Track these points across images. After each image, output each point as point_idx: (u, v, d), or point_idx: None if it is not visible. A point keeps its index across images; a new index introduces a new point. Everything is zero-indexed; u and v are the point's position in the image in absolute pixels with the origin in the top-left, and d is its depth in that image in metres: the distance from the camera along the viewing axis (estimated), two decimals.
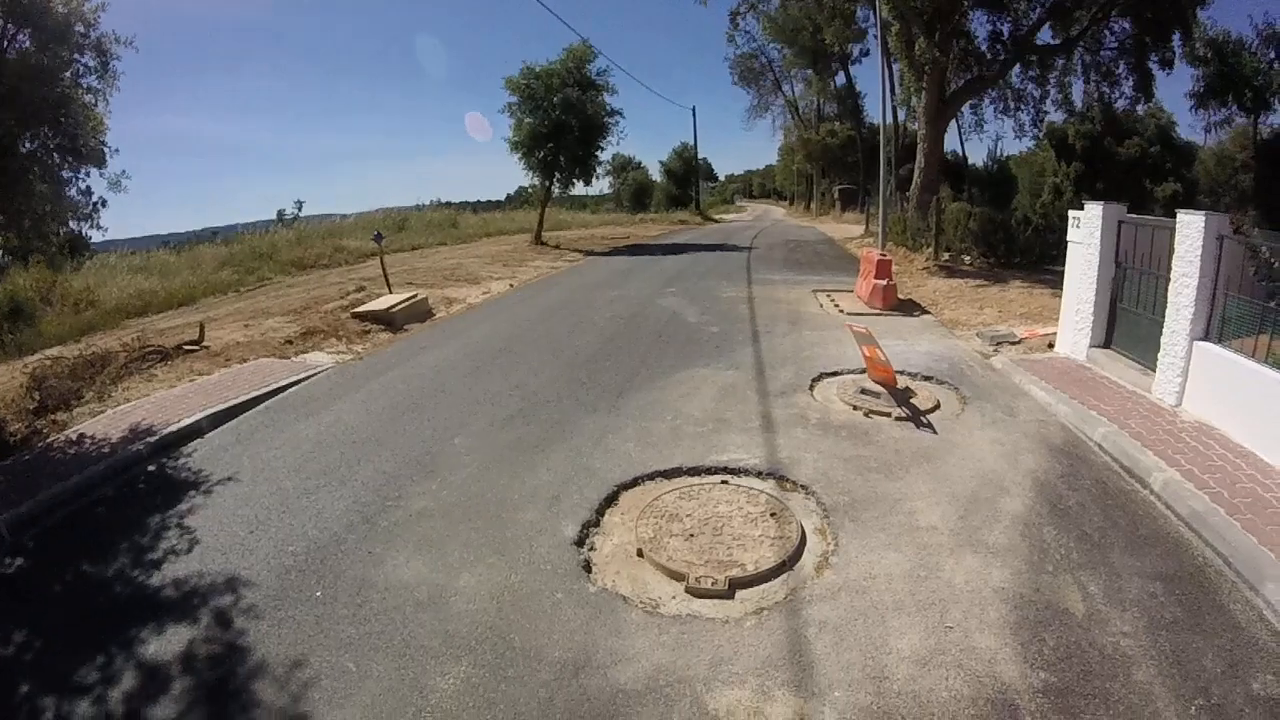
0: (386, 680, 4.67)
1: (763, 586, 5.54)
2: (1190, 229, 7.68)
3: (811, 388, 9.90)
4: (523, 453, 8.07)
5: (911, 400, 9.00)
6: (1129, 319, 9.57)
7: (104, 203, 9.70)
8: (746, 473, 7.36)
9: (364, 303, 14.53)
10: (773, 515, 6.39)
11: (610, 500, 6.94)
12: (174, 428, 8.77)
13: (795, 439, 8.10)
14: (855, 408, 8.97)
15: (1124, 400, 8.42)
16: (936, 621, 5.03)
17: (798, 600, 5.34)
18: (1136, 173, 20.38)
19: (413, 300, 14.42)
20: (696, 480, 7.23)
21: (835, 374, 10.40)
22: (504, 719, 4.33)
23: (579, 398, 9.84)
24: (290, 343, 12.35)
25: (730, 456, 7.70)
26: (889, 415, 8.65)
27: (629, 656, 4.82)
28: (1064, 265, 11.15)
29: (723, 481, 7.10)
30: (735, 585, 5.53)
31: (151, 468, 8.08)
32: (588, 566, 5.90)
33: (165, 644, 5.07)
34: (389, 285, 15.99)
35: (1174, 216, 8.05)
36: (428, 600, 5.47)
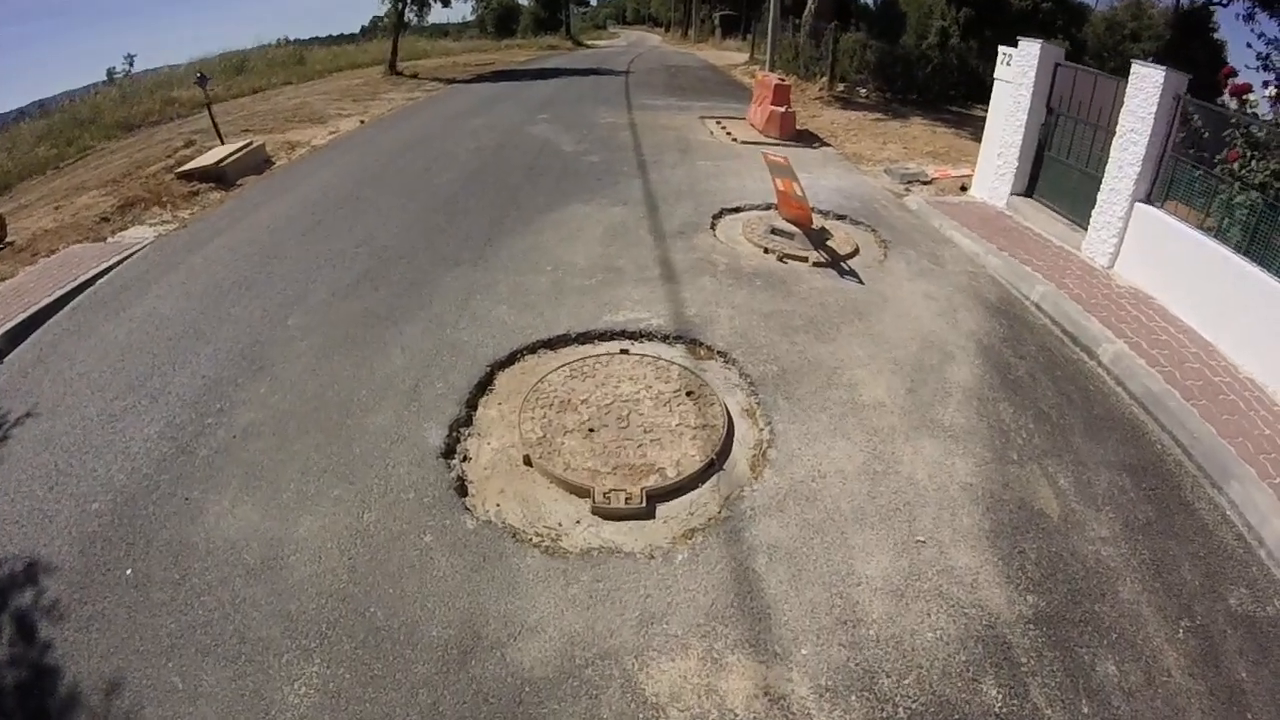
0: (222, 697, 3.13)
1: (689, 497, 4.23)
2: (1146, 83, 6.66)
3: (713, 226, 8.32)
4: (371, 328, 6.01)
5: (828, 243, 7.74)
6: (1057, 169, 8.76)
7: None
8: (650, 337, 5.83)
9: (192, 159, 11.96)
10: (689, 395, 4.99)
11: (483, 386, 5.20)
12: None
13: (703, 290, 6.60)
14: (767, 250, 7.57)
15: (1054, 256, 7.70)
16: (905, 534, 4.06)
17: (737, 516, 4.10)
18: (1026, 25, 19.54)
19: (247, 150, 11.84)
20: (590, 350, 5.60)
21: (738, 210, 8.86)
22: None
23: (438, 249, 7.63)
24: (106, 220, 9.59)
25: (628, 316, 6.09)
26: (805, 260, 7.36)
27: (531, 625, 3.43)
28: (962, 106, 10.11)
29: (622, 351, 5.53)
30: (654, 498, 4.17)
31: None
32: (462, 488, 4.28)
33: None
34: (220, 135, 13.12)
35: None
36: (260, 565, 3.77)
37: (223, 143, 12.40)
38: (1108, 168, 7.26)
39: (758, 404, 5.06)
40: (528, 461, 4.36)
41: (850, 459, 4.59)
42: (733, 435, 4.72)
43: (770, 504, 4.20)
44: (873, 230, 8.50)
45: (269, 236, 8.20)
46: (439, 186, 9.88)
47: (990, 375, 5.60)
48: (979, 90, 17.00)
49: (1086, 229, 7.64)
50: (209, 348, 5.84)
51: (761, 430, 4.81)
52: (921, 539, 4.05)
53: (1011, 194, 9.23)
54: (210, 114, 13.20)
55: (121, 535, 4.02)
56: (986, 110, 10.07)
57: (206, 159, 11.26)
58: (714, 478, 4.38)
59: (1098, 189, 7.37)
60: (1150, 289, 6.80)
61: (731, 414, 4.89)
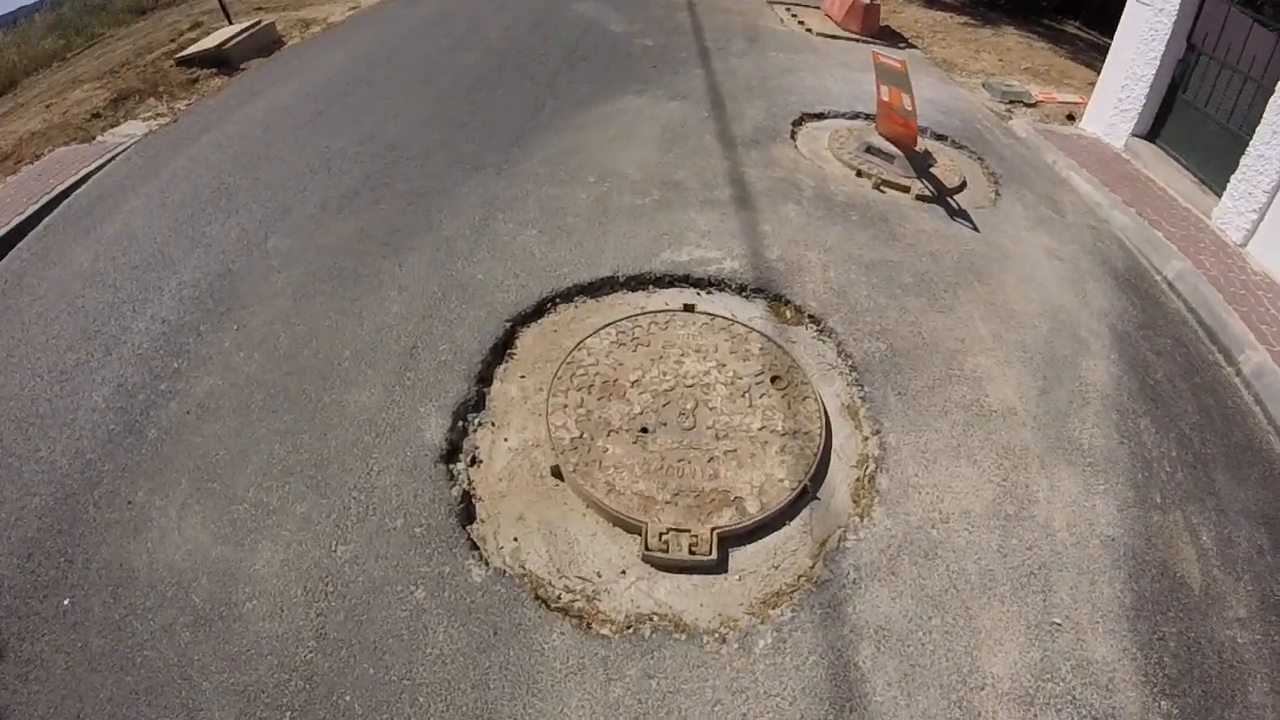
0: None
1: (774, 540, 3.18)
2: None
3: (793, 135, 6.70)
4: (364, 257, 4.72)
5: (932, 170, 6.23)
6: (1191, 116, 7.19)
7: None
8: (722, 286, 4.54)
9: (197, 42, 10.57)
10: (775, 381, 3.80)
11: (501, 349, 3.99)
12: None
13: (787, 223, 5.21)
14: (860, 173, 6.08)
15: (1182, 221, 6.35)
16: (1039, 611, 3.12)
17: (836, 577, 3.07)
18: None
19: (255, 29, 10.34)
20: (643, 300, 4.33)
21: (820, 116, 7.17)
22: None
23: (456, 148, 6.08)
24: (97, 116, 8.20)
25: (693, 254, 4.76)
26: (907, 190, 5.91)
27: None
28: (1053, 20, 8.14)
29: (686, 307, 4.25)
30: (726, 542, 3.12)
31: None
32: (467, 510, 3.21)
33: None
34: (227, 14, 11.41)
35: None
36: (210, 610, 2.84)
37: (230, 22, 10.98)
38: (1259, 130, 5.86)
39: (863, 400, 3.89)
40: (557, 474, 3.26)
41: (978, 494, 3.52)
42: (830, 446, 3.60)
43: (880, 561, 3.17)
44: (979, 159, 6.92)
45: (261, 132, 6.60)
46: (463, 70, 8.00)
47: (1128, 378, 4.44)
48: (1071, 3, 14.64)
49: (1219, 194, 6.37)
50: (175, 279, 4.61)
51: (868, 441, 3.69)
52: (1058, 621, 3.12)
53: (1132, 134, 7.65)
54: None
55: (60, 547, 3.10)
56: (1079, 27, 8.25)
57: (208, 41, 9.98)
58: (806, 512, 3.31)
59: (1241, 151, 6.00)
60: None
61: (829, 413, 3.75)
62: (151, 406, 3.72)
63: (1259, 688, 3.03)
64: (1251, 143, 5.90)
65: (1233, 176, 6.11)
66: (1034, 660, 2.97)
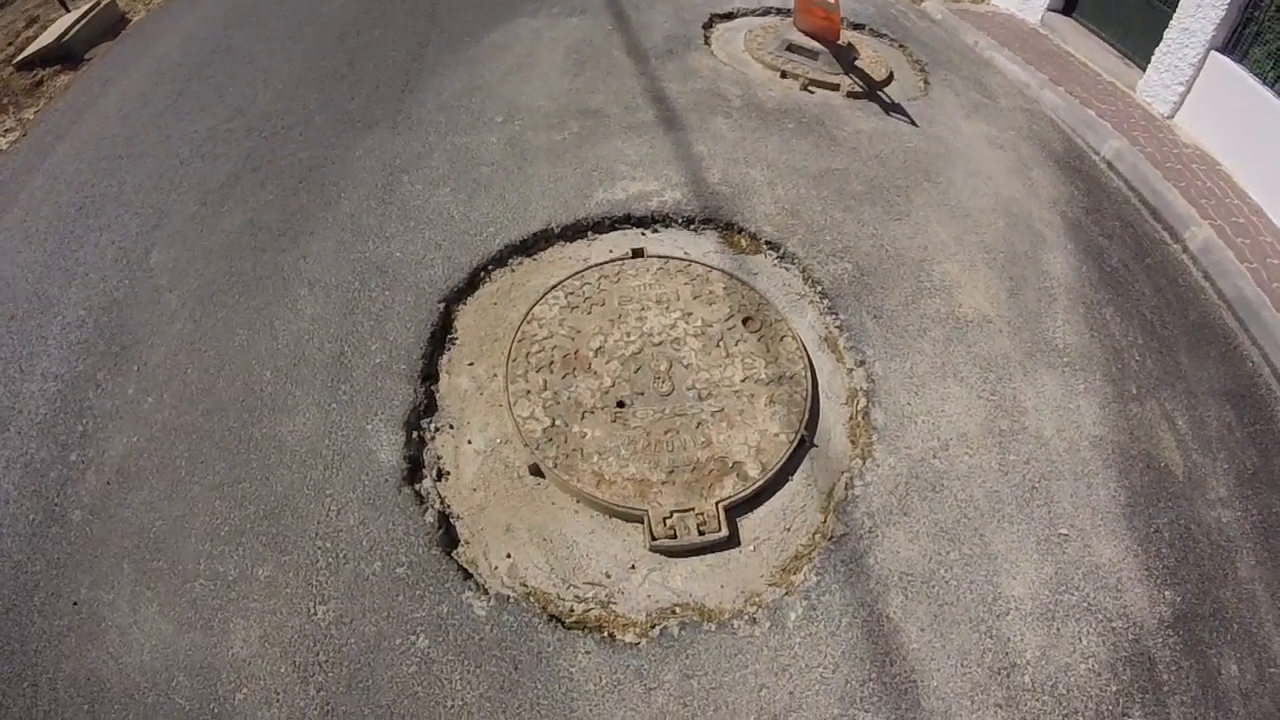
0: None
1: (781, 500, 2.95)
2: None
3: (707, 40, 6.09)
4: (261, 254, 3.97)
5: (857, 63, 5.85)
6: None
7: None
8: (668, 221, 4.10)
9: (34, 41, 9.16)
10: (747, 323, 3.47)
11: (440, 336, 3.44)
12: None
13: (721, 140, 4.75)
14: (785, 74, 5.61)
15: (1110, 97, 6.28)
16: (1046, 524, 3.10)
17: (852, 527, 2.89)
18: None
19: (95, 11, 8.76)
20: (584, 251, 3.84)
21: (730, 16, 6.54)
22: None
23: (340, 106, 5.16)
24: None
25: (629, 189, 4.25)
26: (837, 88, 5.51)
27: None
28: None
29: (635, 253, 3.79)
30: (733, 512, 2.85)
31: None
32: (449, 535, 2.79)
33: None
34: (63, 2, 9.70)
35: None
36: (199, 710, 2.47)
37: (68, 10, 9.33)
38: (1183, 2, 5.76)
39: (840, 329, 3.63)
40: (537, 472, 2.86)
41: (970, 413, 3.39)
42: (817, 386, 3.34)
43: (890, 503, 3.00)
44: (901, 46, 6.56)
45: (120, 127, 5.39)
46: (330, 16, 6.75)
47: (1087, 266, 4.39)
48: None
49: (1142, 67, 6.35)
50: (57, 323, 3.79)
51: (853, 373, 3.46)
52: (1064, 531, 3.12)
53: (1048, 9, 7.47)
54: None
55: (17, 670, 2.63)
56: None
57: (47, 37, 8.48)
58: (807, 461, 3.08)
59: (1162, 24, 5.96)
60: (1215, 151, 5.73)
61: (809, 349, 3.47)
62: (67, 483, 3.09)
63: (1246, 562, 3.14)
64: (1175, 16, 5.81)
65: (1156, 50, 6.05)
66: (1049, 575, 2.95)
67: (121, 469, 3.11)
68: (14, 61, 8.58)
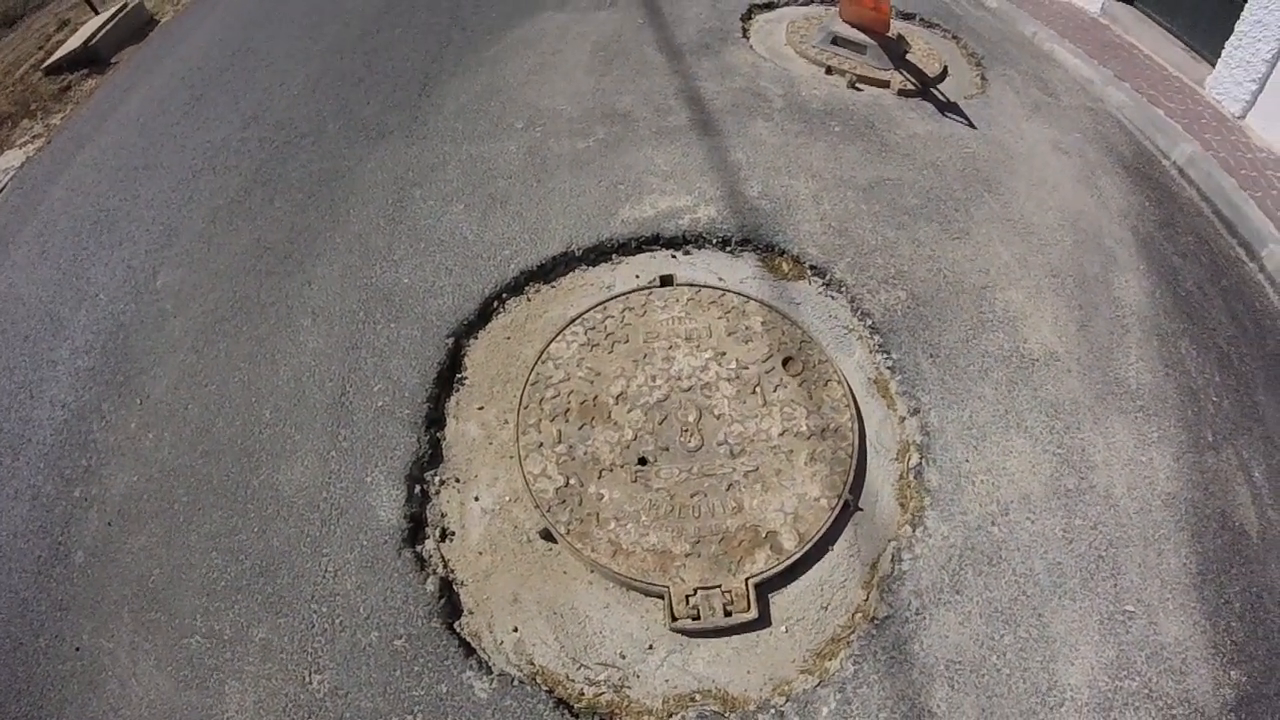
0: None
1: (818, 573, 2.66)
2: None
3: (745, 33, 5.66)
4: (267, 278, 3.79)
5: (908, 57, 5.38)
6: None
7: None
8: (700, 242, 3.76)
9: (64, 44, 9.22)
10: (787, 364, 3.16)
11: (448, 375, 3.19)
12: None
13: (761, 146, 4.37)
14: (830, 70, 5.18)
15: (1177, 94, 5.74)
16: (1111, 600, 2.78)
17: (896, 609, 2.60)
18: None
19: (123, 14, 8.79)
20: (607, 277, 3.54)
21: (770, 5, 6.10)
22: None
23: (355, 112, 4.94)
24: None
25: (658, 205, 3.93)
26: (886, 85, 5.08)
27: None
28: None
29: (663, 281, 3.48)
30: (764, 587, 2.58)
31: None
32: (451, 605, 2.57)
33: None
34: (91, 4, 9.79)
35: None
36: None
37: (96, 12, 9.27)
38: None
39: (891, 370, 3.29)
40: (548, 537, 2.61)
41: (1035, 471, 3.04)
42: (865, 439, 3.03)
43: (941, 580, 2.69)
44: (954, 38, 6.06)
45: (138, 136, 5.28)
46: (353, 12, 6.52)
47: (1161, 291, 3.97)
48: None
49: (1211, 62, 5.83)
50: (66, 347, 3.70)
51: (905, 422, 3.12)
52: (1130, 608, 2.79)
53: None
54: None
55: (25, 711, 2.56)
56: None
57: (75, 40, 8.47)
58: (850, 527, 2.79)
59: (1233, 15, 5.43)
60: None
61: (856, 394, 3.15)
62: (71, 521, 3.00)
63: None
64: (1247, 7, 5.29)
65: (1227, 43, 5.53)
66: (1109, 659, 2.64)
67: (123, 510, 2.99)
68: (43, 66, 8.71)
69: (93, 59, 8.33)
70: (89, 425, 3.31)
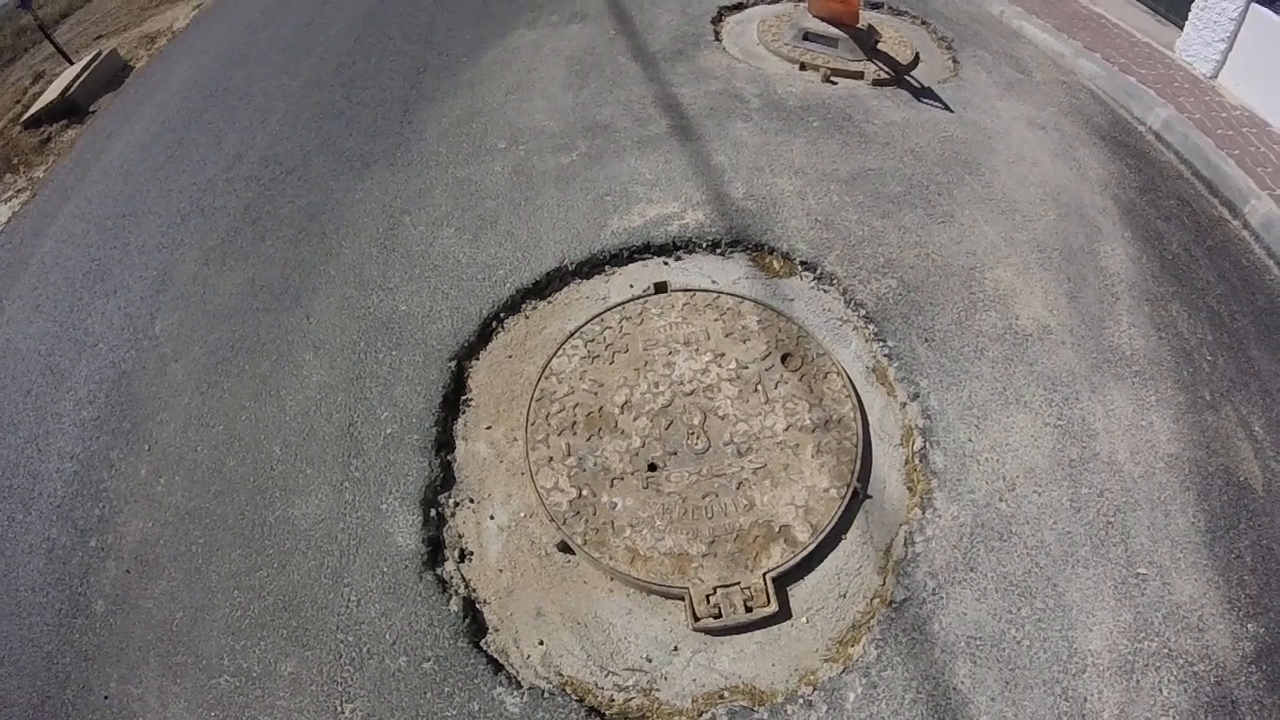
0: None
1: (833, 562, 2.71)
2: None
3: (718, 35, 5.73)
4: (264, 316, 3.84)
5: (879, 46, 5.45)
6: None
7: None
8: (690, 247, 3.82)
9: (40, 97, 9.41)
10: (786, 360, 3.21)
11: (453, 399, 3.23)
12: None
13: (742, 147, 4.44)
14: (804, 66, 5.25)
15: (1148, 60, 5.82)
16: (1123, 564, 2.82)
17: (914, 591, 2.64)
18: None
19: (98, 63, 8.94)
20: (602, 289, 3.59)
21: (739, 6, 6.17)
22: None
23: (338, 145, 4.99)
24: None
25: (646, 214, 3.98)
26: (861, 76, 5.15)
27: None
28: None
29: (658, 288, 3.54)
30: (782, 581, 2.62)
31: None
32: (476, 623, 2.60)
33: None
34: (64, 55, 10.01)
35: None
36: None
37: (71, 63, 9.46)
38: None
39: (889, 357, 3.35)
40: (565, 549, 2.65)
41: (1037, 444, 3.09)
42: (868, 427, 3.08)
43: (955, 559, 2.74)
44: (923, 23, 6.13)
45: (123, 183, 5.32)
46: (327, 45, 6.58)
47: (1147, 256, 4.03)
48: None
49: (1179, 25, 5.93)
50: (70, 398, 3.74)
51: (906, 408, 3.18)
52: (1143, 570, 2.83)
53: None
54: (46, 35, 10.02)
55: None
56: None
57: (52, 92, 8.56)
58: (860, 515, 2.83)
59: None
60: (1265, 111, 5.31)
61: (856, 385, 3.20)
62: (89, 572, 3.04)
63: None
64: None
65: (1194, 4, 5.64)
66: (1127, 622, 2.68)
67: (139, 556, 3.02)
68: (21, 120, 8.71)
69: (71, 109, 8.38)
70: (99, 474, 3.35)
